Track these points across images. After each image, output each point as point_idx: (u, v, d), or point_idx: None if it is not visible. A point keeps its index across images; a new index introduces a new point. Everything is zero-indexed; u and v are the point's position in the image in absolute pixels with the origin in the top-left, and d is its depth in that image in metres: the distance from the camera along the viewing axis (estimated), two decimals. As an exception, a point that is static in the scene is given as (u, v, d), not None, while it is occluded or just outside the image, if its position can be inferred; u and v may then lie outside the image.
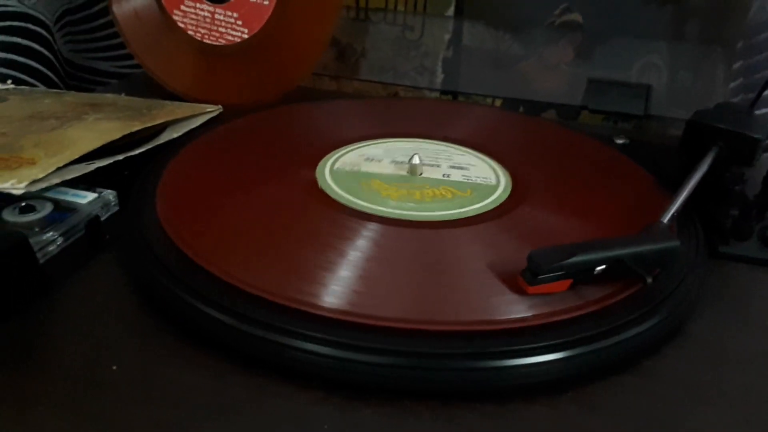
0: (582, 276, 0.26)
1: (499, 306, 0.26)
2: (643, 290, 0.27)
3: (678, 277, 0.28)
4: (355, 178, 0.35)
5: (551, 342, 0.24)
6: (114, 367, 0.24)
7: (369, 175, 0.36)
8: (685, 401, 0.25)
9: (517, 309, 0.26)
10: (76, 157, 0.35)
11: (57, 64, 0.65)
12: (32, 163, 0.34)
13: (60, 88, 0.65)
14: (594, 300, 0.26)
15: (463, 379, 0.24)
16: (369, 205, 0.33)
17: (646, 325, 0.26)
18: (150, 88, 0.52)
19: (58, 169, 0.34)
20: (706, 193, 0.36)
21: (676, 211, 0.31)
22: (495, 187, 0.35)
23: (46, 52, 0.63)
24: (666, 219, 0.29)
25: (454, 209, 0.33)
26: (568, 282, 0.26)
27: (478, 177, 0.36)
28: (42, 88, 0.57)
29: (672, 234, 0.28)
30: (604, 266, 0.26)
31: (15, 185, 0.32)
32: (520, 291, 0.26)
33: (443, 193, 0.34)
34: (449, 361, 0.24)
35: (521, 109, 0.57)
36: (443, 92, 0.59)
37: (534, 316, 0.25)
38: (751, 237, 0.34)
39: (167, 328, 0.27)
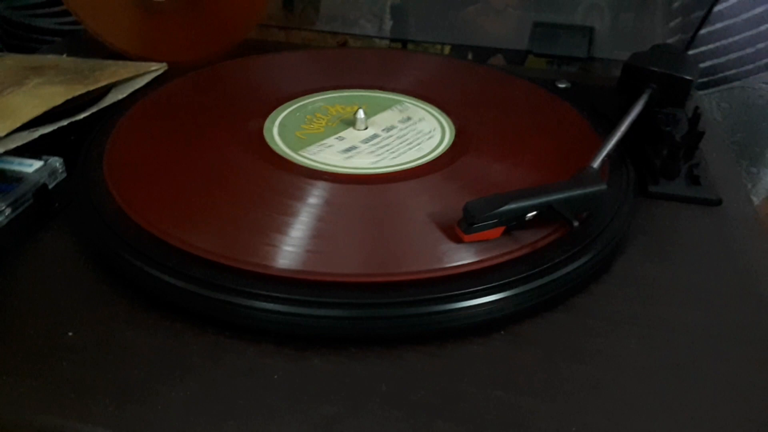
0: (514, 222, 0.28)
1: (437, 255, 0.27)
2: (570, 233, 0.28)
3: (606, 219, 0.30)
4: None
5: (487, 285, 0.26)
6: (70, 333, 0.26)
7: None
8: (609, 333, 0.27)
9: (454, 257, 0.27)
10: (18, 125, 0.35)
11: (-7, 24, 0.63)
12: (-27, 134, 0.34)
13: (-1, 49, 0.63)
14: (526, 244, 0.28)
15: (405, 324, 0.25)
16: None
17: (575, 265, 0.28)
18: (94, 46, 0.51)
19: (0, 139, 0.34)
20: (640, 133, 0.38)
21: (607, 154, 0.32)
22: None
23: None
24: (596, 164, 0.31)
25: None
26: (501, 229, 0.28)
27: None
28: (-21, 51, 0.55)
29: (600, 178, 0.30)
30: (534, 212, 0.28)
31: (-43, 158, 0.32)
32: (457, 239, 0.28)
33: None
34: (392, 309, 0.25)
35: (470, 55, 0.57)
36: (392, 40, 0.59)
37: (470, 262, 0.27)
38: (679, 175, 0.36)
39: (123, 292, 0.28)
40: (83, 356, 0.25)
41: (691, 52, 0.53)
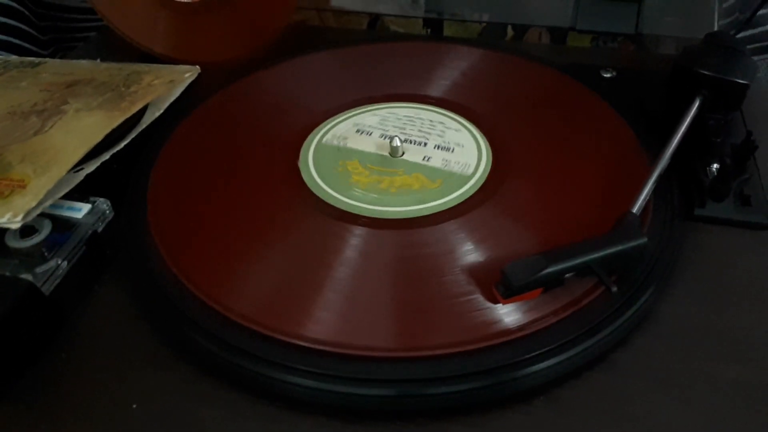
0: (552, 284, 0.28)
1: (479, 322, 0.27)
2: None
3: (649, 264, 0.30)
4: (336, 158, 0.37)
5: (531, 354, 0.26)
6: (134, 406, 0.27)
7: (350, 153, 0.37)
8: (649, 395, 0.27)
9: (495, 324, 0.27)
10: (64, 173, 0.36)
11: (26, 12, 0.63)
12: (22, 186, 0.35)
13: (32, 36, 0.63)
14: (567, 303, 0.28)
15: (450, 399, 0.26)
16: (345, 200, 0.34)
17: (619, 322, 0.28)
18: (123, 43, 0.51)
19: (49, 190, 0.35)
20: (688, 143, 0.36)
21: (648, 194, 0.31)
22: (468, 178, 0.35)
23: (13, 4, 0.61)
24: (635, 209, 0.30)
25: (423, 203, 0.33)
26: (539, 291, 0.28)
27: (458, 162, 0.36)
28: (14, 58, 0.55)
29: (640, 230, 0.29)
30: (573, 272, 0.28)
31: (12, 219, 0.33)
32: (495, 301, 0.28)
33: (411, 182, 0.35)
34: (439, 386, 0.26)
35: (509, 29, 0.55)
36: (427, 18, 0.56)
37: (511, 329, 0.27)
38: (728, 197, 0.35)
39: (179, 356, 0.29)
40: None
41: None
